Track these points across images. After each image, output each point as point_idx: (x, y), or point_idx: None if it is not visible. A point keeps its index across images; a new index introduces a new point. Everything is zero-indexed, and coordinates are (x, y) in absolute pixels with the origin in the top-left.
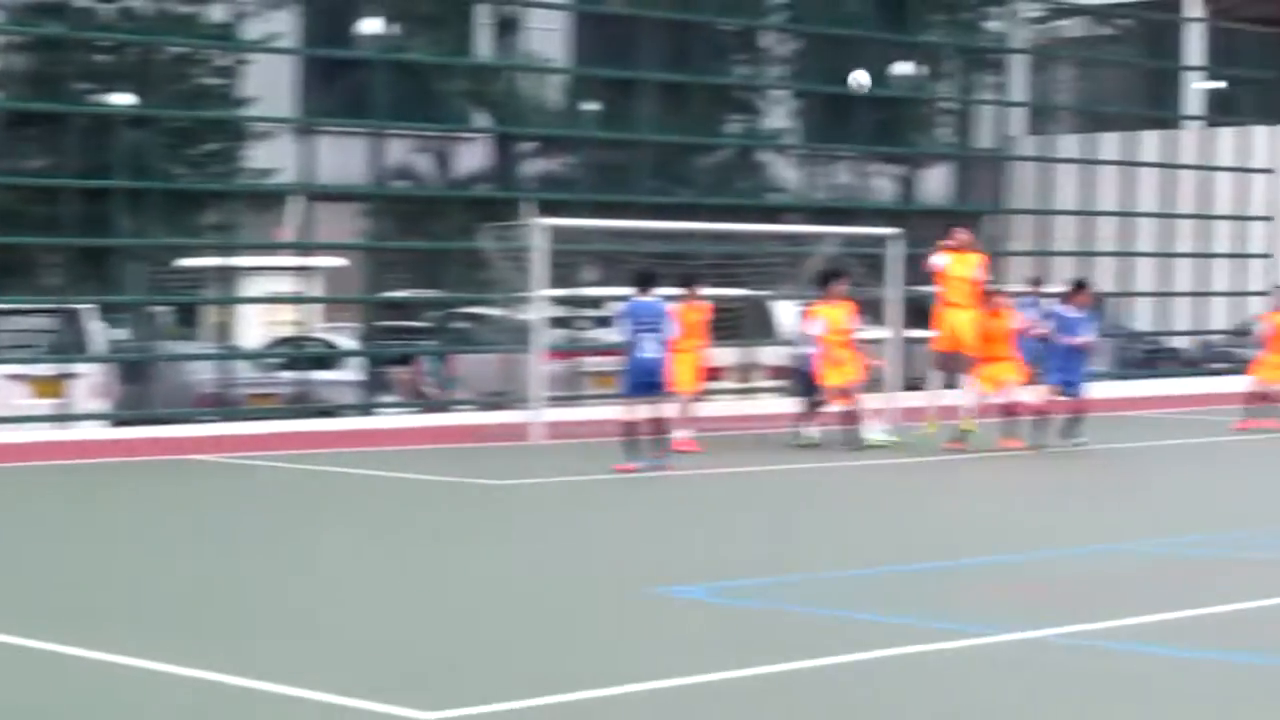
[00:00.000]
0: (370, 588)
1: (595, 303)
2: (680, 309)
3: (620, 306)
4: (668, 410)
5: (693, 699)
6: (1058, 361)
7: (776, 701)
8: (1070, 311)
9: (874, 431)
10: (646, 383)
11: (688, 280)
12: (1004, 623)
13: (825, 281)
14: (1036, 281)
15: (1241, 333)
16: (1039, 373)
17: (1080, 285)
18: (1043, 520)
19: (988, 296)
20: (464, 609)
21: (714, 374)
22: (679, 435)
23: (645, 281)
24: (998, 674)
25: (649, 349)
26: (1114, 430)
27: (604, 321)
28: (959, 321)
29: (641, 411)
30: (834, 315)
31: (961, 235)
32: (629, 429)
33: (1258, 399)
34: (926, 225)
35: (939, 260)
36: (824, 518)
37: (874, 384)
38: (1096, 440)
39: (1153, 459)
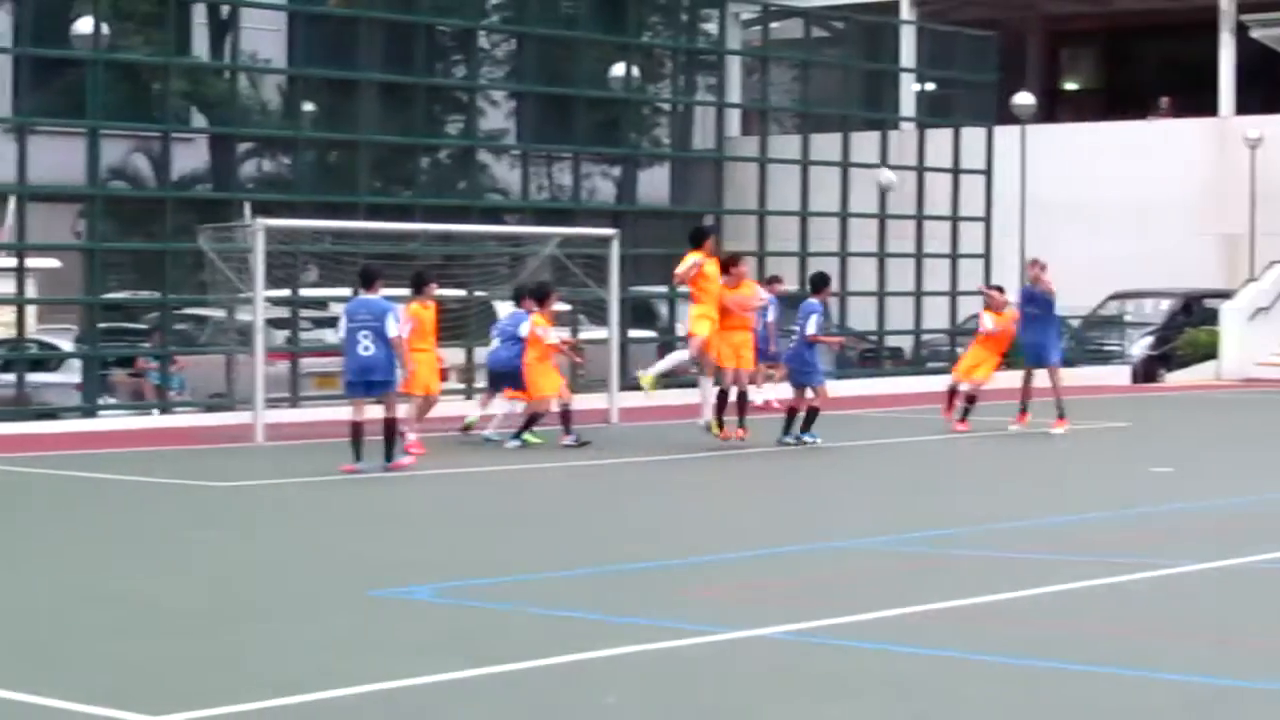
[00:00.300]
0: (90, 591)
1: (316, 304)
2: (414, 309)
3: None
4: (399, 409)
5: (421, 699)
6: (805, 357)
7: (502, 701)
8: (814, 307)
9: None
10: (364, 381)
11: (419, 280)
12: (731, 621)
13: (539, 296)
14: (774, 280)
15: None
16: (794, 371)
17: (823, 280)
18: (767, 518)
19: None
20: (188, 611)
21: (441, 375)
22: (411, 436)
23: (367, 279)
24: (722, 672)
25: (366, 347)
26: (839, 428)
27: (325, 323)
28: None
29: (363, 411)
30: (539, 321)
31: (710, 239)
32: (352, 429)
33: (968, 398)
34: (646, 226)
35: (691, 262)
36: (548, 517)
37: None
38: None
39: (878, 456)
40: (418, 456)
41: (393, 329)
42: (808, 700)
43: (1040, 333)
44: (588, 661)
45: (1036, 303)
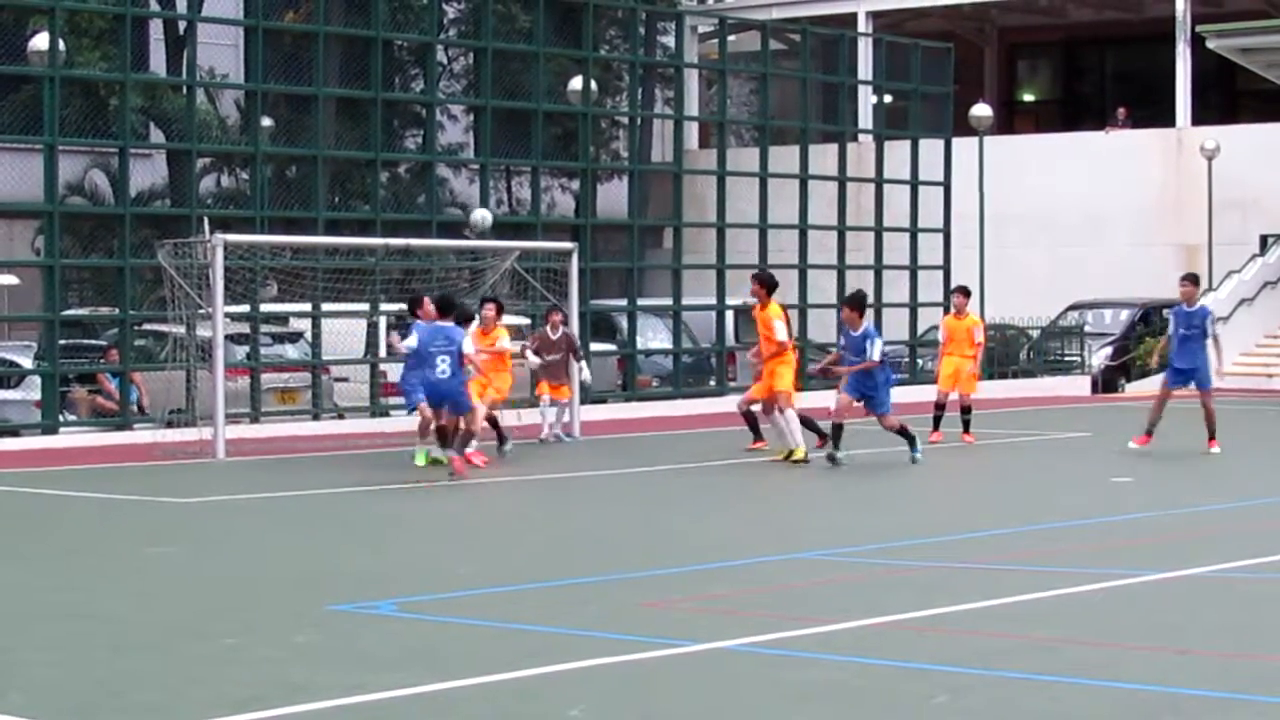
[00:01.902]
0: (49, 608)
1: (276, 319)
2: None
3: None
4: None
5: (383, 714)
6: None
7: (466, 715)
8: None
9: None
10: (440, 403)
11: (415, 302)
12: (690, 634)
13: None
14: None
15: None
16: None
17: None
18: (729, 530)
19: None
20: (147, 625)
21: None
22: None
23: (445, 308)
24: (683, 685)
25: (444, 371)
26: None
27: (284, 338)
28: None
29: (442, 415)
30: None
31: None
32: (439, 430)
33: (963, 409)
34: (605, 239)
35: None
36: (508, 530)
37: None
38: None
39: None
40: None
41: (468, 347)
42: (767, 713)
43: (1195, 355)
44: (551, 675)
45: (1192, 322)
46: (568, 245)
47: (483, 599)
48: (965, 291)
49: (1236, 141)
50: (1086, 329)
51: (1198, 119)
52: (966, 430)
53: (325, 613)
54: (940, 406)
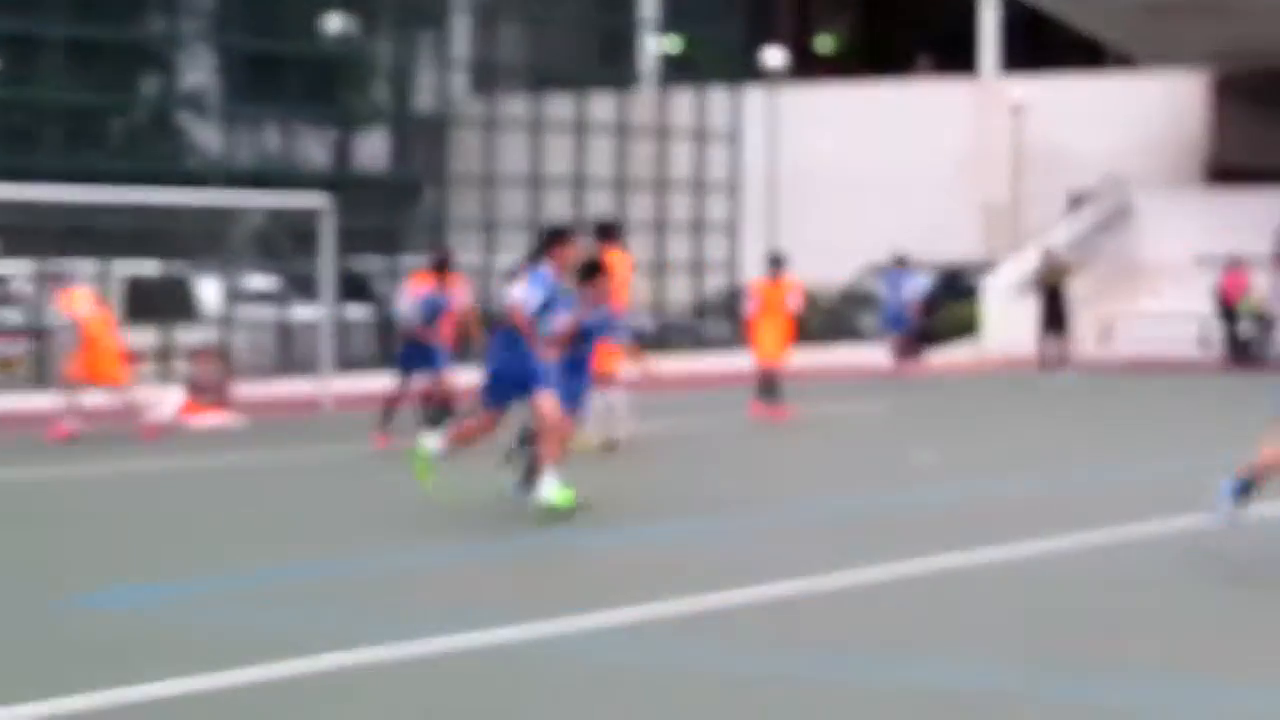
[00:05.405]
0: None
1: None
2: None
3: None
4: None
5: (118, 714)
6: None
7: (208, 716)
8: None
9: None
10: None
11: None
12: (445, 625)
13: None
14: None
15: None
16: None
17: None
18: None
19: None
20: None
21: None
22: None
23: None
24: (435, 682)
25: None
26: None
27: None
28: None
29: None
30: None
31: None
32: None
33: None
34: (362, 194)
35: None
36: (242, 516)
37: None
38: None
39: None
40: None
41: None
42: (548, 709)
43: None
44: (296, 674)
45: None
46: (320, 200)
47: (217, 591)
48: (777, 260)
49: (1045, 94)
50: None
51: (1009, 65)
52: (765, 402)
53: (45, 607)
54: (767, 377)
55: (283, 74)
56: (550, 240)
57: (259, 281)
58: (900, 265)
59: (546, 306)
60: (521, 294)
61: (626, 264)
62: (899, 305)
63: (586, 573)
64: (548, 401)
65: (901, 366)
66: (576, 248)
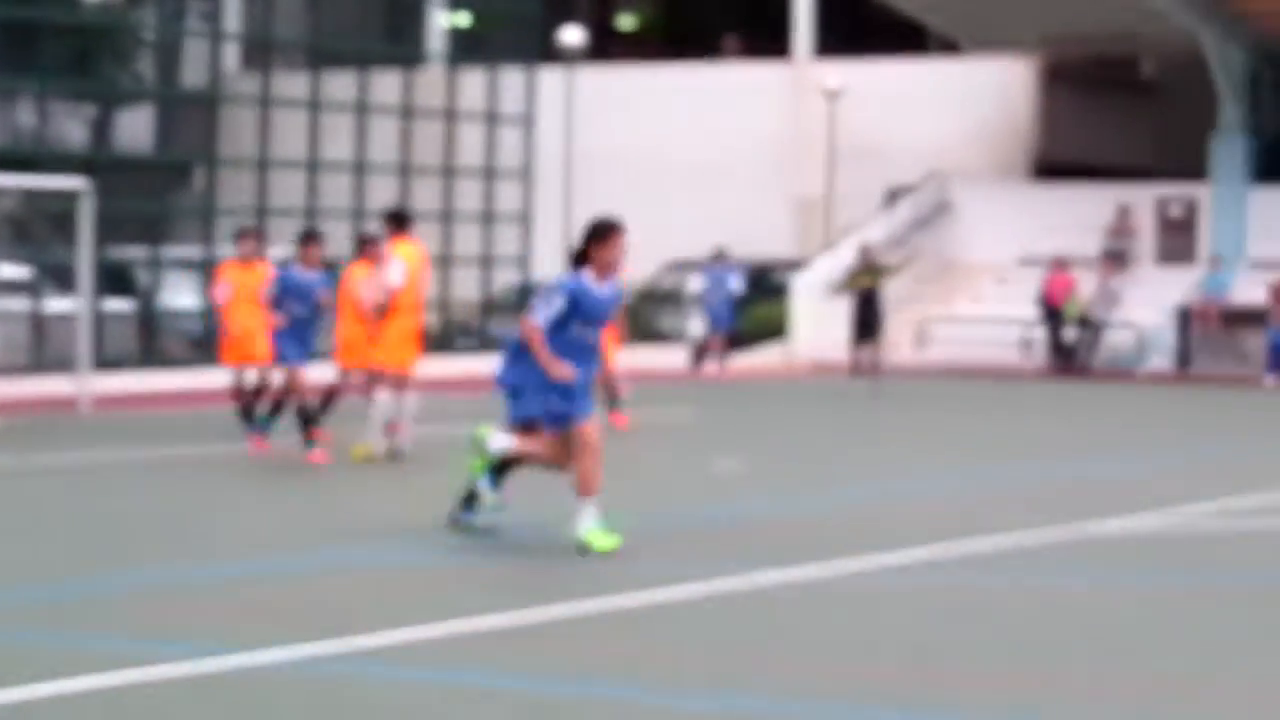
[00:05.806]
0: None
1: None
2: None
3: None
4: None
5: None
6: (295, 333)
7: None
8: (303, 273)
9: None
10: None
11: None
12: (211, 645)
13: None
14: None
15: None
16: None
17: (311, 237)
18: (258, 525)
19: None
20: None
21: None
22: None
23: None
24: (195, 706)
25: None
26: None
27: None
28: None
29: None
30: None
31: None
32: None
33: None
34: (124, 177)
35: None
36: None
37: None
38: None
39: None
40: None
41: None
42: None
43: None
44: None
45: None
46: (78, 183)
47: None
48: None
49: (863, 80)
50: (687, 292)
51: (821, 51)
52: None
53: None
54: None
55: (38, 44)
56: (589, 238)
57: (10, 270)
58: (720, 260)
59: (564, 323)
60: (538, 317)
61: (420, 257)
62: (719, 303)
63: (349, 594)
64: (589, 426)
65: (703, 370)
66: (619, 248)
